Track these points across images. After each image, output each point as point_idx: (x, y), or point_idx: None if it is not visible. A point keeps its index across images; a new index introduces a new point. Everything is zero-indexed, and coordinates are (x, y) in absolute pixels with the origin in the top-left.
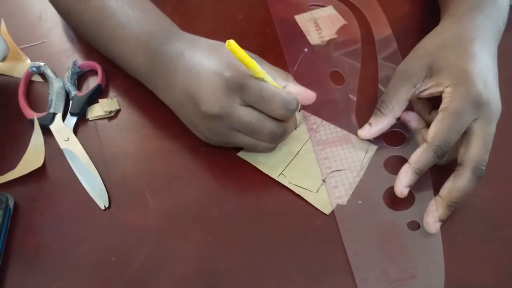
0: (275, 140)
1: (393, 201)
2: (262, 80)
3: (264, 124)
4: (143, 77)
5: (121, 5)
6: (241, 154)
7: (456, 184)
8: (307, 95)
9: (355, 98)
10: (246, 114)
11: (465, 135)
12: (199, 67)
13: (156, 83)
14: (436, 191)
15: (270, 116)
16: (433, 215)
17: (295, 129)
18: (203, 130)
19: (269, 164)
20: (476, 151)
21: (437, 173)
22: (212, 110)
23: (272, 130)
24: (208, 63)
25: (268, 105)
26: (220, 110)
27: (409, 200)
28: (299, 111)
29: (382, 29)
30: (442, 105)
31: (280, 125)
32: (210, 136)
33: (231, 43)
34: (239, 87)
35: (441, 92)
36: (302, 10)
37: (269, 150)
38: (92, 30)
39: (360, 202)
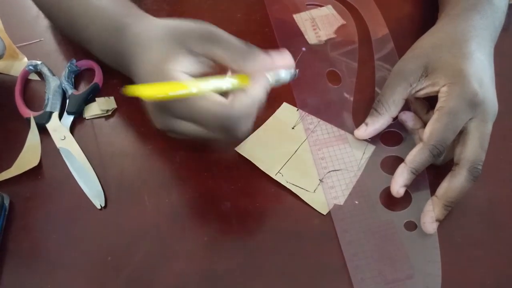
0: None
1: (390, 202)
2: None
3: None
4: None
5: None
6: (238, 149)
7: (452, 184)
8: (284, 62)
9: (352, 98)
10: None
11: (461, 134)
12: (140, 63)
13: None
14: (433, 191)
15: None
16: (430, 215)
17: (293, 128)
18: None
19: (267, 162)
20: (472, 150)
21: (434, 173)
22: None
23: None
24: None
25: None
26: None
27: (406, 200)
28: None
29: (379, 29)
30: (438, 105)
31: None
32: (156, 122)
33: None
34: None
35: (437, 92)
36: (299, 10)
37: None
38: (73, 27)
39: (357, 202)
